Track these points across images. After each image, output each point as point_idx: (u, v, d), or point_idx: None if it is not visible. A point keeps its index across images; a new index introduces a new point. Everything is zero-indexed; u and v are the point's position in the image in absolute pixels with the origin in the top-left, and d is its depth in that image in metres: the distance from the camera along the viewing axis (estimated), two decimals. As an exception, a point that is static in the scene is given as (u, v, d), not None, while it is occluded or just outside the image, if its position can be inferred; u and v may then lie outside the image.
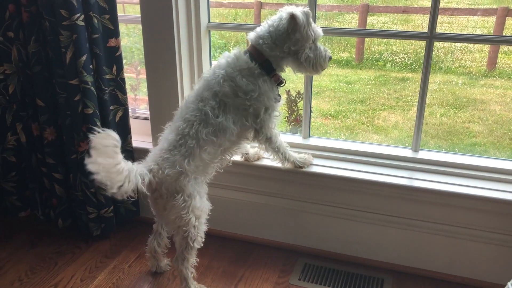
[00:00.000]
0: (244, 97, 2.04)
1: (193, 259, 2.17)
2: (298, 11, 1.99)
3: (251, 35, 2.11)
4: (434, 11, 2.18)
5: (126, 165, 1.87)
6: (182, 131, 2.03)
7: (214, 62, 2.72)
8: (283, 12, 2.04)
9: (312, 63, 2.09)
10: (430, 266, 2.40)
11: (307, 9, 2.03)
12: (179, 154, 2.01)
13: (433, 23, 2.20)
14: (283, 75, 2.16)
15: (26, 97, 2.59)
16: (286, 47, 2.04)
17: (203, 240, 2.14)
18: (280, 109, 2.22)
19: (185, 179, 2.00)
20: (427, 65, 2.28)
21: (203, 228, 2.12)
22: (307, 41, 2.04)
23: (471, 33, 5.97)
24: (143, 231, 2.78)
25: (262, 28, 2.09)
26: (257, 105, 2.07)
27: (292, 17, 1.98)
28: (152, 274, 2.46)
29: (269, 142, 2.21)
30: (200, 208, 2.07)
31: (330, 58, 2.14)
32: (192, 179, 2.03)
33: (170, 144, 2.04)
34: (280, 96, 2.17)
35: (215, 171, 2.23)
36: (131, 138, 2.65)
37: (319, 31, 2.09)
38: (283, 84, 2.16)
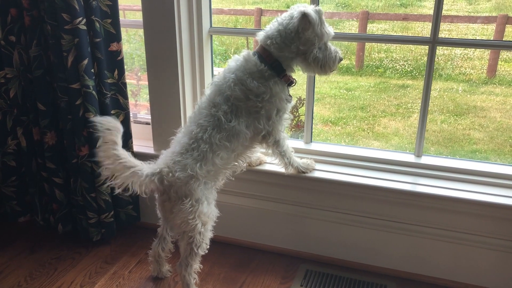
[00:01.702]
0: (255, 99, 2.02)
1: (196, 266, 2.15)
2: (310, 9, 1.96)
3: (260, 35, 2.08)
4: (437, 15, 2.18)
5: (128, 157, 1.96)
6: (195, 135, 2.02)
7: (215, 68, 2.72)
8: (294, 11, 2.00)
9: (321, 64, 2.06)
10: (433, 273, 2.38)
11: (318, 7, 2.00)
12: (191, 158, 1.99)
13: (435, 27, 2.20)
14: (293, 75, 2.14)
15: (27, 101, 2.57)
16: (294, 46, 2.01)
17: (208, 247, 2.12)
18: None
19: (195, 183, 1.99)
20: (429, 70, 2.27)
21: (209, 235, 2.11)
22: (321, 40, 2.00)
23: (473, 39, 5.99)
24: (144, 237, 2.77)
25: (272, 26, 2.05)
26: (269, 107, 2.06)
27: (304, 16, 1.94)
28: (153, 280, 2.44)
29: (276, 145, 2.19)
30: (207, 214, 2.05)
31: (341, 59, 2.11)
32: (202, 183, 2.02)
33: (182, 147, 2.03)
34: (291, 97, 2.15)
35: (226, 179, 2.23)
36: (132, 142, 2.64)
37: (330, 30, 2.05)
38: (293, 84, 2.13)
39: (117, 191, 2.01)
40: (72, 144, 2.54)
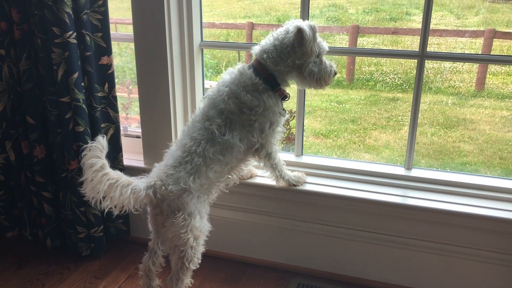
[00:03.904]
0: (249, 112, 2.02)
1: (187, 280, 2.12)
2: (305, 25, 1.98)
3: (256, 48, 2.10)
4: (425, 30, 2.21)
5: (114, 176, 1.91)
6: (189, 148, 2.01)
7: (207, 81, 2.72)
8: (290, 26, 2.02)
9: (316, 78, 2.08)
10: (424, 285, 2.38)
11: (313, 23, 2.02)
12: (185, 171, 1.98)
13: (424, 41, 2.22)
14: (287, 89, 2.15)
15: (16, 115, 2.56)
16: (291, 60, 2.03)
17: (200, 261, 2.10)
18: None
19: (188, 197, 1.98)
20: (418, 83, 2.29)
21: (201, 249, 2.09)
22: (310, 57, 2.02)
23: (461, 53, 6.06)
24: (134, 251, 2.74)
25: (267, 41, 2.07)
26: (262, 120, 2.06)
27: (299, 31, 1.96)
28: (142, 295, 2.40)
29: (268, 157, 2.19)
30: (199, 228, 2.03)
31: (336, 73, 2.13)
32: (195, 197, 2.01)
33: (175, 160, 2.02)
34: (285, 111, 2.16)
35: (219, 191, 2.22)
36: (122, 156, 2.63)
37: (325, 45, 2.08)
38: (287, 98, 2.14)
39: (116, 212, 1.96)
40: (62, 158, 2.52)
